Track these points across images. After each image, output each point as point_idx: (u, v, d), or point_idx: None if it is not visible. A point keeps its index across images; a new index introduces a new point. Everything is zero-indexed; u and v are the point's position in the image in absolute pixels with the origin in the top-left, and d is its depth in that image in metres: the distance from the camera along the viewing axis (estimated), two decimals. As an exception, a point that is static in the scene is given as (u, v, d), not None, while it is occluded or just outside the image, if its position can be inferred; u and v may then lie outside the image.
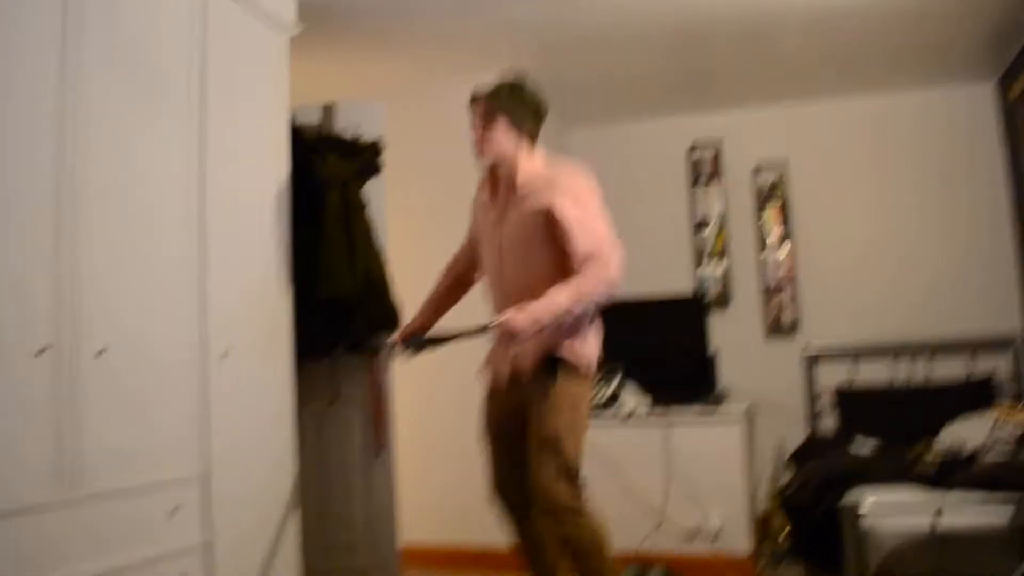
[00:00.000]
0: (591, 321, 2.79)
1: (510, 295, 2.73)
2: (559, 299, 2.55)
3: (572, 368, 2.71)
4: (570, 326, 2.69)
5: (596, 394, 2.80)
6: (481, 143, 2.81)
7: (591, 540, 2.64)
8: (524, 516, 2.82)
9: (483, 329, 2.69)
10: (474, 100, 2.85)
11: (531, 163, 2.81)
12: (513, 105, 2.80)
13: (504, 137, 2.78)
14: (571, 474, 2.66)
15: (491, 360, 2.90)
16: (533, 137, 2.83)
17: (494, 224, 2.85)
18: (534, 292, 2.61)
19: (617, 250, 2.66)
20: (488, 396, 2.94)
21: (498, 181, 2.87)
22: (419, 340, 2.92)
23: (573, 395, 2.71)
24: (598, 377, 2.84)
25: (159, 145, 2.62)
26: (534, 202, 2.72)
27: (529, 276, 2.72)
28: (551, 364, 2.70)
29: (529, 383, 2.74)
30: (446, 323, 3.02)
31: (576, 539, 2.64)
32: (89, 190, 2.31)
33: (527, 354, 2.72)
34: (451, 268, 3.14)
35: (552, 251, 2.70)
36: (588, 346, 2.77)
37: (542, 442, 2.65)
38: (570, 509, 2.63)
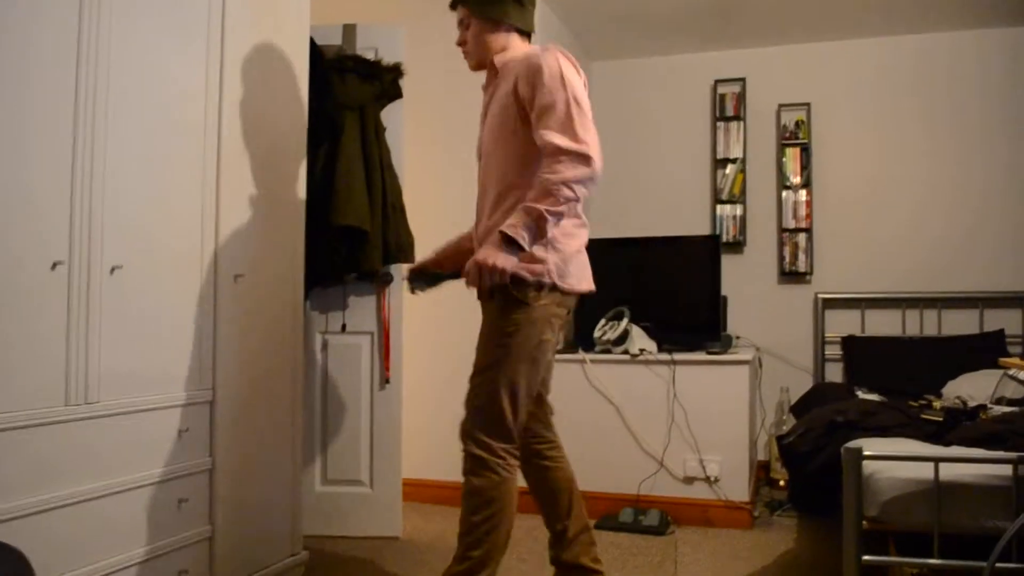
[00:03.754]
0: (563, 229, 2.40)
1: (483, 199, 2.53)
2: (531, 208, 2.21)
3: (514, 286, 2.34)
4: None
5: (555, 323, 2.44)
6: (466, 53, 2.58)
7: (476, 503, 2.37)
8: (524, 459, 2.61)
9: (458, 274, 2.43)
10: (451, 7, 2.59)
11: (512, 51, 2.53)
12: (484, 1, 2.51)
13: (483, 38, 2.53)
14: (487, 420, 2.38)
15: None
16: (522, 28, 2.55)
17: (481, 123, 2.60)
18: (500, 194, 2.43)
19: (591, 135, 2.27)
20: None
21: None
22: (429, 275, 2.72)
23: (511, 322, 2.37)
24: (568, 299, 2.46)
25: (178, 59, 2.58)
26: (505, 85, 2.44)
27: (497, 174, 2.45)
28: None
29: (483, 304, 2.50)
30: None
31: (465, 491, 2.40)
32: (108, 106, 2.28)
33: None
34: None
35: (519, 141, 2.40)
36: (543, 256, 2.37)
37: (472, 376, 2.43)
38: (471, 456, 2.39)
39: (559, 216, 2.25)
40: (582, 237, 2.53)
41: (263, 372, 2.95)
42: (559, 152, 2.23)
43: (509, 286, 2.34)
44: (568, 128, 2.24)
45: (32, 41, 2.07)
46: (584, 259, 2.54)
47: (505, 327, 2.39)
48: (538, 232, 2.25)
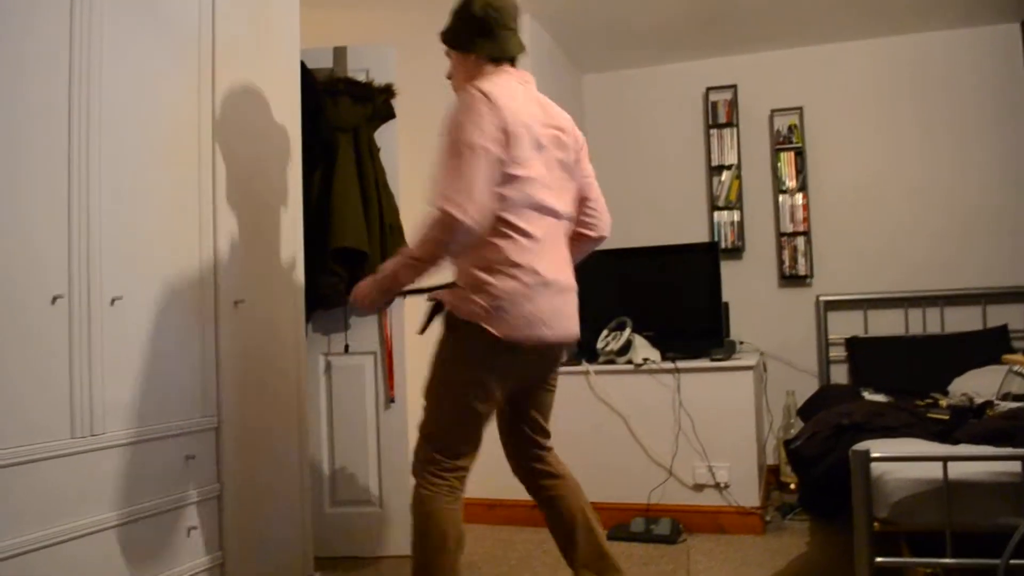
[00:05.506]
0: (491, 270, 2.29)
1: None
2: (389, 264, 2.37)
3: (451, 319, 2.37)
4: (462, 274, 2.35)
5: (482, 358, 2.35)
6: (452, 85, 2.56)
7: (420, 529, 2.33)
8: (531, 487, 2.64)
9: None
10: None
11: (476, 82, 2.35)
12: (452, 31, 2.50)
13: (457, 70, 2.52)
14: (428, 444, 2.37)
15: None
16: (494, 56, 2.44)
17: None
18: None
19: (458, 196, 2.16)
20: None
21: None
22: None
23: (444, 353, 2.41)
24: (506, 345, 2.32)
25: (170, 87, 2.58)
26: None
27: None
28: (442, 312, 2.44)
29: None
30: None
31: (413, 514, 2.38)
32: (101, 136, 2.29)
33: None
34: None
35: None
36: (475, 295, 2.29)
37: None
38: (416, 479, 2.38)
39: (418, 264, 2.31)
40: (530, 282, 2.33)
41: (267, 396, 2.95)
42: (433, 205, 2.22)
43: (447, 314, 2.40)
44: (442, 179, 2.22)
45: (24, 73, 2.08)
46: (538, 308, 2.35)
47: (440, 355, 2.43)
48: (400, 276, 2.36)
